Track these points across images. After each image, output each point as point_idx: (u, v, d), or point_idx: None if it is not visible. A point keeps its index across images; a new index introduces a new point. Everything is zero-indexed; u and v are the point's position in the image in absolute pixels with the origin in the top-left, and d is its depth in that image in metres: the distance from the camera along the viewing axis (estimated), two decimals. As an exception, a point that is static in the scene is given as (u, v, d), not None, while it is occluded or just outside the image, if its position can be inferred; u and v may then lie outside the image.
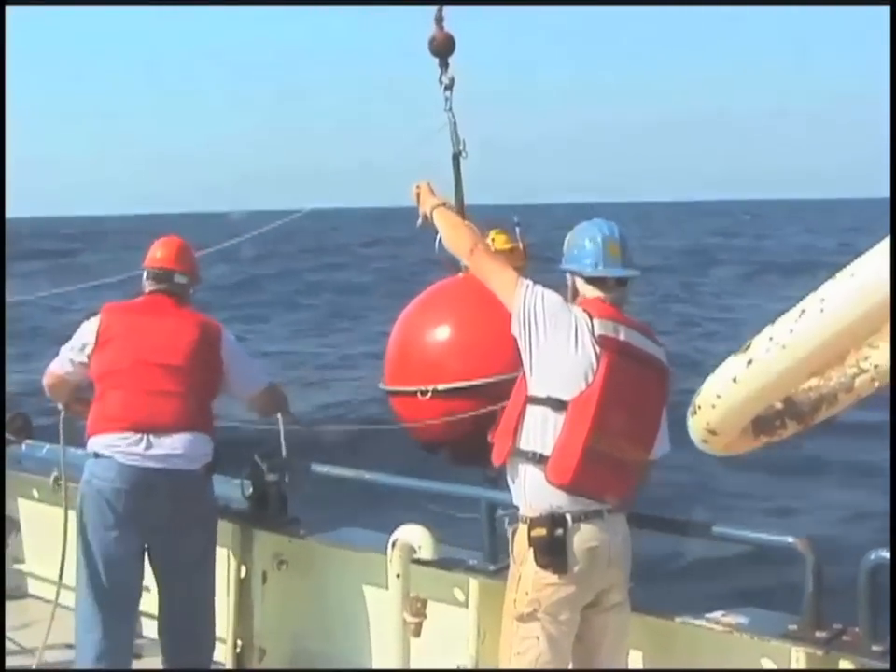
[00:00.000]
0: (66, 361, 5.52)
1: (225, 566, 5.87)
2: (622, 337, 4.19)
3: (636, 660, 4.52)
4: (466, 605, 5.01)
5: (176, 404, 5.24)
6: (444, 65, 5.28)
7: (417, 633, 4.75)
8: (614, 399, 4.09)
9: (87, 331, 5.44)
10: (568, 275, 4.41)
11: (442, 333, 6.11)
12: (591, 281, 4.32)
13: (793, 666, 4.14)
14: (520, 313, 4.19)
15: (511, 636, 4.19)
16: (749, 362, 3.07)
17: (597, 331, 4.14)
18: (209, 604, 5.45)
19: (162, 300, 5.49)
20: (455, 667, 4.98)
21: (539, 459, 4.11)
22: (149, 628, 6.60)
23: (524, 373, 4.23)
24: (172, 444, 5.17)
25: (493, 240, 6.73)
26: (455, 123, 5.32)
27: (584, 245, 4.34)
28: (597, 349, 4.11)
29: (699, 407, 3.29)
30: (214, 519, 5.49)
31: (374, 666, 5.34)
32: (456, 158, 6.49)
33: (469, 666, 4.89)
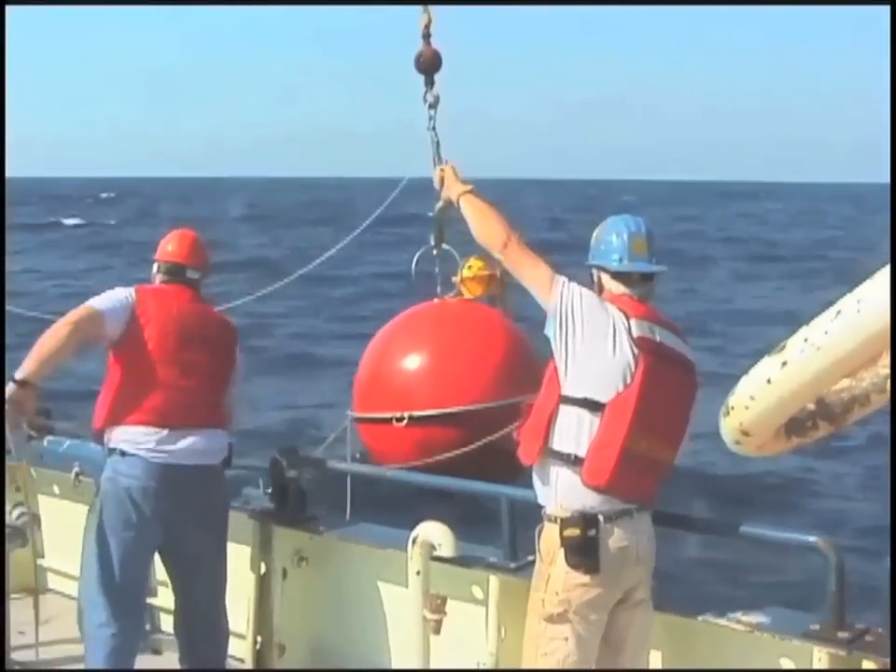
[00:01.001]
0: (113, 302, 5.19)
1: (245, 562, 5.88)
2: (657, 338, 4.17)
3: (656, 658, 4.51)
4: (486, 602, 5.00)
5: (202, 400, 5.22)
6: (430, 83, 5.22)
7: (437, 630, 4.75)
8: (651, 400, 4.07)
9: (124, 299, 5.23)
10: (594, 271, 4.37)
11: (417, 360, 6.12)
12: (616, 276, 4.29)
13: (815, 666, 4.12)
14: (556, 311, 4.12)
15: (538, 635, 4.17)
16: (784, 364, 3.04)
17: (635, 332, 4.11)
18: (223, 597, 5.47)
19: (182, 290, 5.41)
20: (475, 665, 4.96)
21: (574, 461, 4.07)
22: (168, 623, 6.63)
23: (553, 372, 4.17)
24: (197, 440, 5.15)
25: (470, 266, 6.73)
26: (437, 143, 5.27)
27: (611, 241, 4.30)
28: (635, 351, 4.08)
29: (732, 408, 3.26)
30: (227, 512, 5.51)
31: (394, 663, 5.34)
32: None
33: (489, 664, 4.88)
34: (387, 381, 6.08)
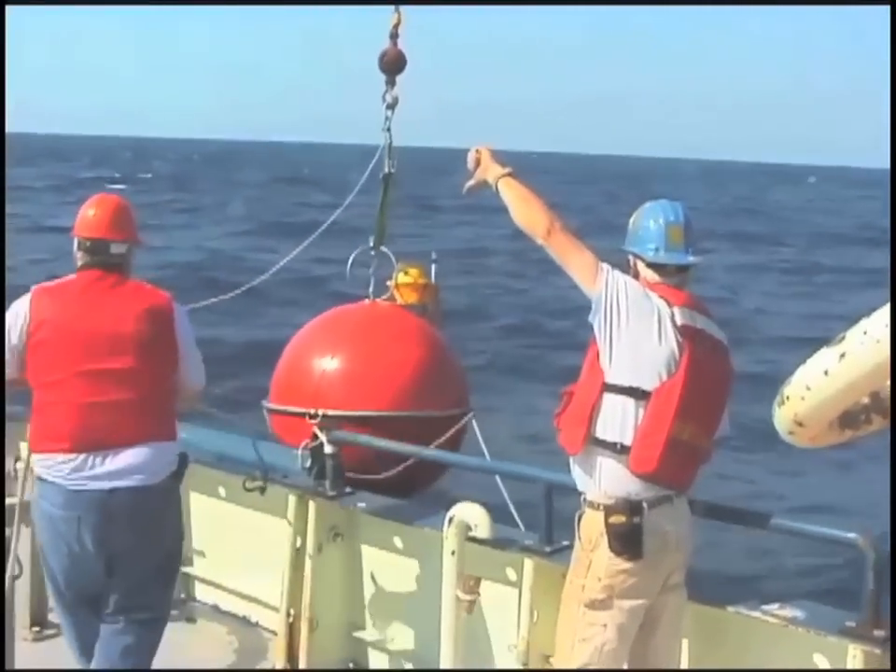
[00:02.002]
0: (8, 325, 4.63)
1: (280, 536, 5.92)
2: (698, 325, 4.16)
3: (689, 649, 4.49)
4: (519, 585, 5.00)
5: (129, 414, 4.55)
6: (391, 83, 5.15)
7: (470, 610, 4.76)
8: (695, 388, 4.05)
9: (15, 314, 4.62)
10: (630, 257, 4.34)
11: (337, 359, 6.16)
12: (651, 266, 4.27)
13: (850, 664, 4.09)
14: (602, 299, 4.09)
15: (576, 621, 4.16)
16: (842, 355, 3.01)
17: (678, 321, 4.09)
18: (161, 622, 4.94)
19: (99, 278, 4.67)
20: (506, 648, 4.97)
21: (620, 449, 4.07)
22: (202, 592, 6.70)
23: (595, 361, 4.15)
24: (127, 459, 4.52)
25: (407, 273, 6.74)
26: (390, 144, 5.19)
27: (648, 227, 4.27)
28: (680, 339, 4.06)
29: (787, 398, 3.23)
30: (180, 532, 4.96)
31: (425, 643, 5.35)
32: (387, 178, 6.42)
33: (521, 647, 4.88)
34: (305, 376, 6.14)
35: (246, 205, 55.73)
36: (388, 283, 6.65)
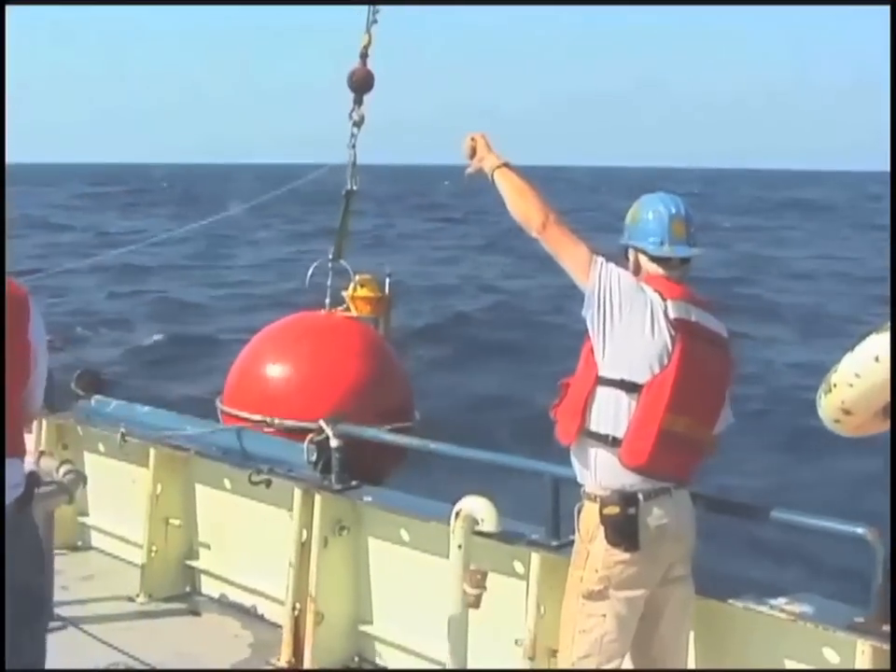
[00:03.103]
0: None
1: (286, 530, 5.92)
2: (693, 318, 4.14)
3: (695, 643, 4.47)
4: (526, 579, 4.98)
5: None
6: (359, 101, 5.18)
7: (476, 604, 4.74)
8: (688, 381, 4.05)
9: None
10: (631, 251, 4.32)
11: (287, 368, 6.29)
12: (655, 259, 4.24)
13: (858, 660, 4.06)
14: (594, 293, 4.08)
15: (576, 613, 4.16)
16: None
17: (671, 314, 4.08)
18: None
19: None
20: (512, 642, 4.95)
21: (612, 442, 4.07)
22: (207, 585, 6.71)
23: (589, 353, 4.16)
24: None
25: (362, 286, 6.84)
26: (354, 162, 5.21)
27: (648, 219, 4.25)
28: (672, 332, 4.06)
29: (834, 385, 3.17)
30: (40, 565, 4.12)
31: (431, 637, 5.33)
32: (349, 194, 6.51)
33: (527, 641, 4.87)
34: (255, 382, 6.25)
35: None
36: (344, 293, 6.78)
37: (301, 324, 6.80)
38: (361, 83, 5.18)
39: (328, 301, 6.72)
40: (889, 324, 3.00)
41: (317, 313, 6.76)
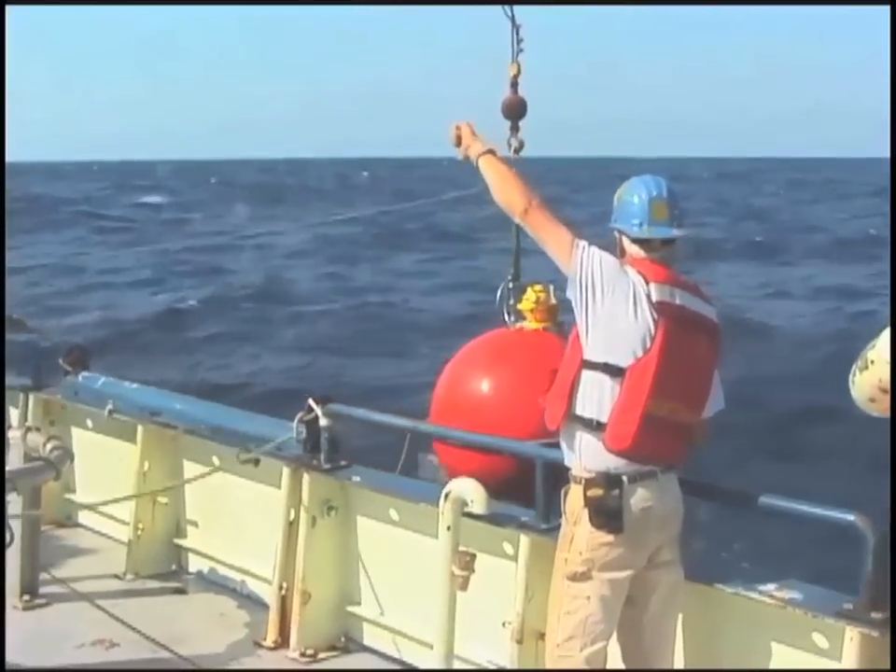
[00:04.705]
0: None
1: (274, 509, 5.90)
2: (677, 301, 4.14)
3: (684, 628, 4.47)
4: (515, 561, 4.97)
5: None
6: (515, 129, 5.26)
7: (464, 587, 4.72)
8: (671, 364, 4.04)
9: None
10: (616, 233, 4.32)
11: (500, 384, 6.13)
12: (636, 241, 4.24)
13: (846, 646, 4.06)
14: (577, 276, 4.09)
15: (561, 595, 4.17)
16: None
17: (654, 297, 4.08)
18: None
19: None
20: (500, 624, 4.94)
21: (596, 426, 4.08)
22: (194, 563, 6.69)
23: (576, 338, 4.17)
24: None
25: (536, 296, 6.68)
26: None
27: (632, 202, 4.25)
28: (655, 315, 4.05)
29: (872, 362, 3.05)
30: None
31: (419, 619, 5.33)
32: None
33: (515, 624, 4.86)
34: (477, 402, 6.07)
35: (251, 208, 55.61)
36: (518, 307, 6.60)
37: (505, 341, 6.60)
38: (513, 110, 5.33)
39: (511, 318, 6.63)
40: None
41: (510, 330, 6.61)
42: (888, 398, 3.13)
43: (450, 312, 25.32)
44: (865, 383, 3.16)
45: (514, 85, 5.40)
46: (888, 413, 3.30)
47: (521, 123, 5.71)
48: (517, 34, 5.33)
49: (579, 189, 70.37)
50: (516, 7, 5.52)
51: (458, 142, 4.49)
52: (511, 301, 6.61)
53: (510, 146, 5.30)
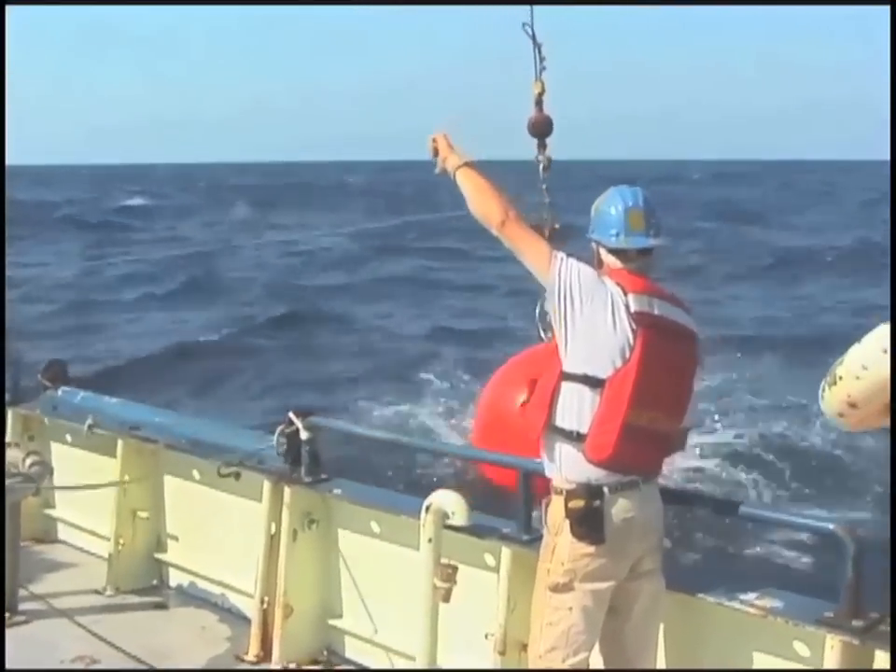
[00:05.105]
0: None
1: (256, 522, 5.88)
2: (656, 311, 4.14)
3: (665, 638, 4.47)
4: (497, 573, 4.97)
5: None
6: (542, 146, 5.32)
7: (446, 599, 4.72)
8: (650, 374, 4.05)
9: None
10: (593, 244, 4.33)
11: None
12: (613, 251, 4.25)
13: (827, 654, 4.07)
14: (555, 288, 4.10)
15: (543, 606, 4.17)
16: None
17: (633, 307, 4.08)
18: None
19: None
20: (482, 636, 4.94)
21: (577, 437, 4.09)
22: (175, 578, 6.67)
23: (556, 349, 4.17)
24: None
25: None
26: (550, 203, 5.32)
27: (609, 213, 4.27)
28: (634, 326, 4.06)
29: (840, 378, 3.09)
30: None
31: (401, 631, 5.32)
32: (551, 233, 6.51)
33: (498, 636, 4.85)
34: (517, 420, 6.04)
35: (252, 207, 55.16)
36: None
37: (540, 356, 6.57)
38: (541, 129, 5.36)
39: (547, 334, 6.60)
40: None
41: (547, 345, 6.58)
42: (856, 412, 3.16)
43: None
44: (834, 398, 3.19)
45: (539, 103, 5.45)
46: (857, 428, 3.34)
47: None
48: (539, 52, 5.37)
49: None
50: (522, 13, 5.51)
51: (436, 153, 4.48)
52: (548, 318, 6.62)
53: (538, 162, 5.35)
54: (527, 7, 4.96)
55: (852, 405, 3.14)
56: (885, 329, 2.96)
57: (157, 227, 52.54)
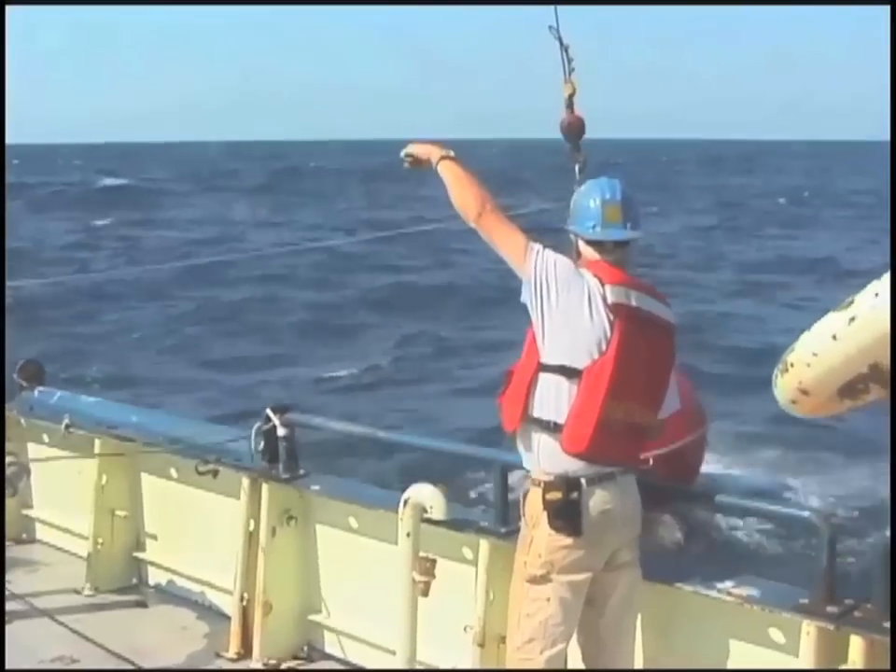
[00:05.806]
0: None
1: (234, 519, 5.88)
2: (633, 303, 4.16)
3: (643, 628, 4.49)
4: (475, 566, 4.98)
5: None
6: (577, 148, 5.33)
7: (425, 592, 4.72)
8: (628, 366, 4.07)
9: None
10: (572, 236, 4.35)
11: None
12: (590, 243, 4.27)
13: (802, 640, 4.10)
14: (532, 279, 4.11)
15: (521, 598, 4.18)
16: (852, 319, 2.91)
17: (610, 299, 4.10)
18: None
19: None
20: (462, 629, 4.95)
21: (554, 428, 4.10)
22: (154, 576, 6.65)
23: (532, 340, 4.18)
24: None
25: None
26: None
27: (588, 206, 4.29)
28: (611, 317, 4.07)
29: (791, 365, 3.12)
30: None
31: (380, 625, 5.32)
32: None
33: (477, 628, 4.87)
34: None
35: (251, 207, 54.70)
36: None
37: None
38: (573, 130, 5.36)
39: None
40: (849, 300, 2.95)
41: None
42: (808, 399, 3.19)
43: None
44: (786, 386, 3.22)
45: (570, 105, 5.46)
46: (810, 415, 3.36)
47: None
48: (567, 53, 5.37)
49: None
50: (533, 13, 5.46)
51: (417, 164, 4.51)
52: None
53: (575, 162, 5.36)
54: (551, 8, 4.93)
55: (804, 392, 3.18)
56: (833, 316, 3.00)
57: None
